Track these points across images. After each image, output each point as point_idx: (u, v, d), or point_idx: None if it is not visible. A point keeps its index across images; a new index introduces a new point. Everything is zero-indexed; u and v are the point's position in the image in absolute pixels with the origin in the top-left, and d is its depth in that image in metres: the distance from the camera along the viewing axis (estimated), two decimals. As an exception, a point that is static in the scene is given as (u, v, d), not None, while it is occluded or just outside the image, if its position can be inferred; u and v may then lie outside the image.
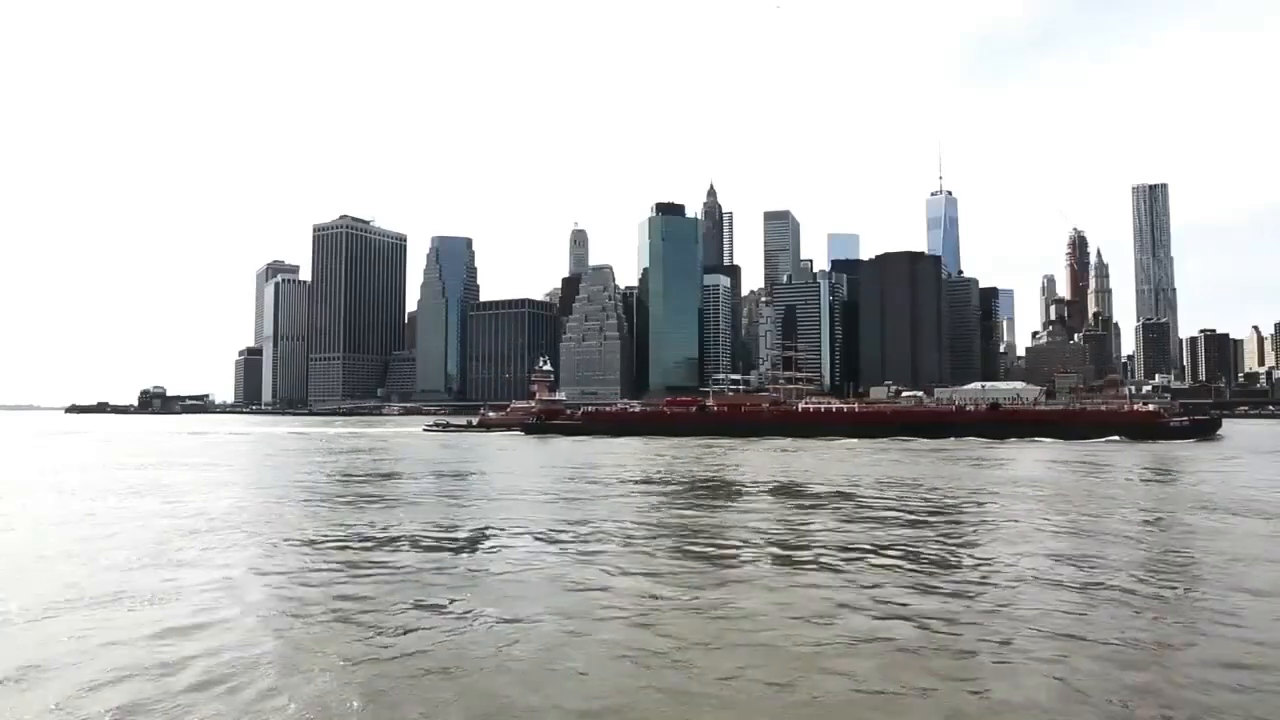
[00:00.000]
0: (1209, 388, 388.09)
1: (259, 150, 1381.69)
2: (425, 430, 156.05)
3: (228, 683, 13.70)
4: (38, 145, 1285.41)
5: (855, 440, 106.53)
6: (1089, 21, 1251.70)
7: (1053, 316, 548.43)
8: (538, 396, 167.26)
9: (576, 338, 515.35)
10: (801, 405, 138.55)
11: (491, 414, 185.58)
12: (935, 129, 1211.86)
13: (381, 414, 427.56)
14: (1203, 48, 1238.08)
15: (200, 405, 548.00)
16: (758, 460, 71.90)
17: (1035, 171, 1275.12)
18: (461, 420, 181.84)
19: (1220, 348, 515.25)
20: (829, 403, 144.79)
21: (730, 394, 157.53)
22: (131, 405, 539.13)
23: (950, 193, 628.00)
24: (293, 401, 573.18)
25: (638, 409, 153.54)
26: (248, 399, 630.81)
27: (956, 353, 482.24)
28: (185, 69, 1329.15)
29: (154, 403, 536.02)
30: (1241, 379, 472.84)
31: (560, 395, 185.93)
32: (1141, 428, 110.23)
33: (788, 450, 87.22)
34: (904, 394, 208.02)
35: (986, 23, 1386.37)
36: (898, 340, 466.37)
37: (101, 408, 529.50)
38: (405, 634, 16.62)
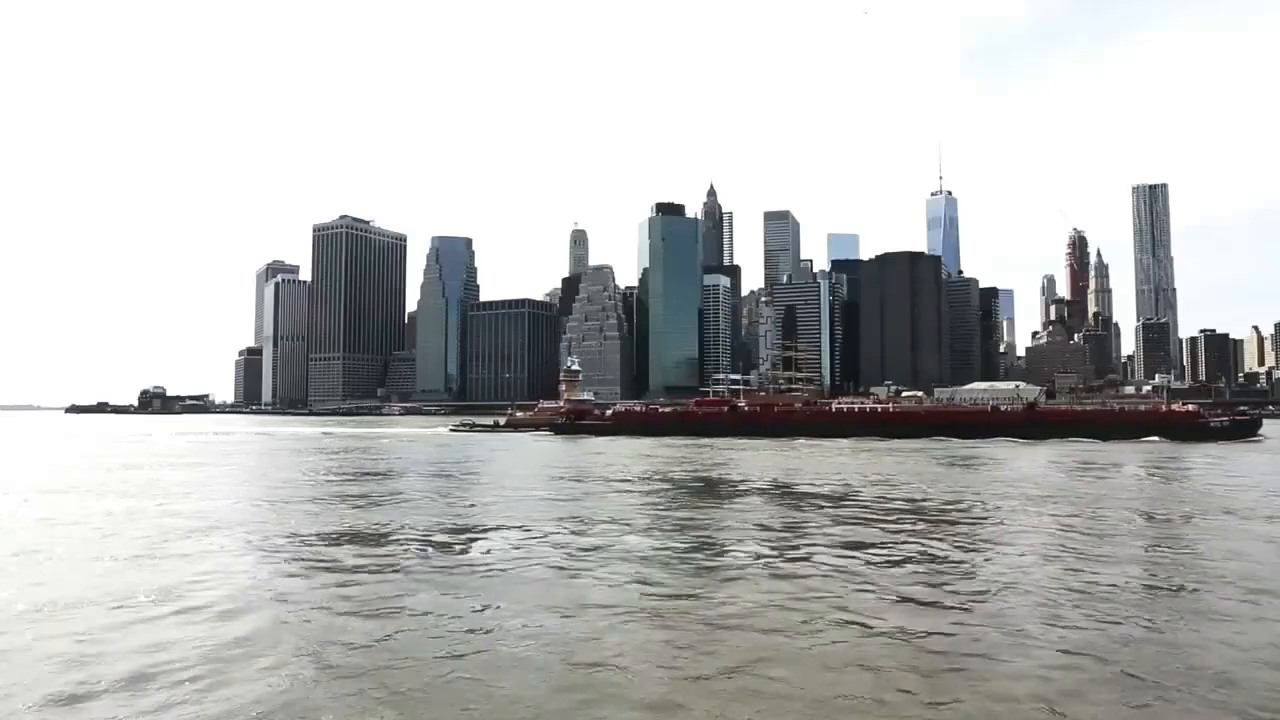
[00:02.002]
0: (1209, 388, 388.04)
1: (259, 150, 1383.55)
2: (452, 430, 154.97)
3: (224, 681, 13.76)
4: (38, 145, 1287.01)
5: (891, 441, 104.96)
6: (1089, 22, 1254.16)
7: (1053, 316, 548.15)
8: (566, 396, 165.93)
9: (576, 338, 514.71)
10: (835, 405, 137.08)
11: (519, 414, 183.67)
12: (935, 129, 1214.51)
13: (382, 414, 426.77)
14: (1203, 48, 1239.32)
15: (200, 405, 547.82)
16: (795, 461, 70.18)
17: (1035, 171, 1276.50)
18: (488, 420, 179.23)
19: (1220, 348, 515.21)
20: (862, 402, 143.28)
21: (762, 394, 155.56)
22: (131, 405, 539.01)
23: (950, 193, 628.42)
24: (293, 401, 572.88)
25: (669, 409, 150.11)
26: (248, 399, 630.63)
27: (956, 353, 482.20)
28: (185, 69, 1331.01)
29: (154, 403, 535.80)
30: (1241, 379, 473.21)
31: (588, 395, 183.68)
32: (1182, 428, 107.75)
33: (824, 451, 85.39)
34: (904, 394, 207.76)
35: (987, 23, 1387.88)
36: (898, 340, 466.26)
37: (101, 408, 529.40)
38: (416, 634, 16.75)
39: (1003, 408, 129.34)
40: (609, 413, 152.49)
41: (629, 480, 53.22)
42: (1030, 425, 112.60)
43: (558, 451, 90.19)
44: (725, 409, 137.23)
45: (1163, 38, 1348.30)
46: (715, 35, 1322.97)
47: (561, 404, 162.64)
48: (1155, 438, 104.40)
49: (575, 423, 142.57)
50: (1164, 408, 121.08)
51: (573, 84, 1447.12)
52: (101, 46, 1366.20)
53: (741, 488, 48.16)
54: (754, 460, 72.62)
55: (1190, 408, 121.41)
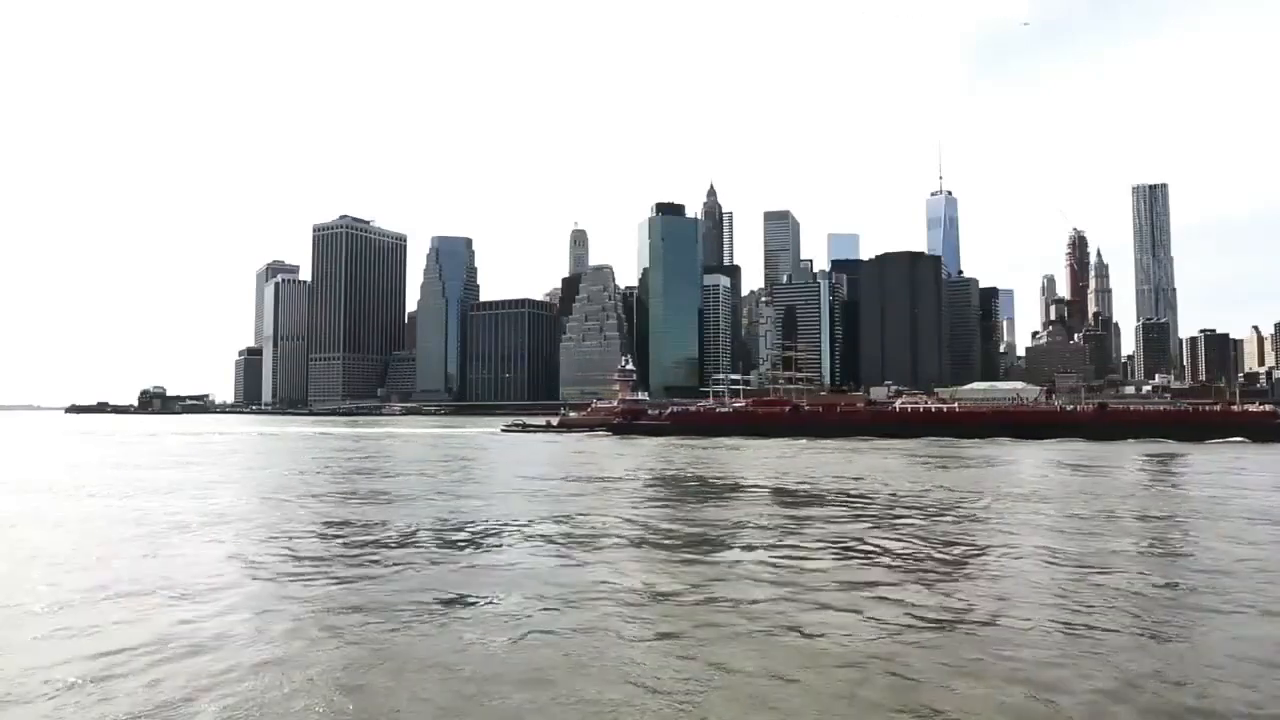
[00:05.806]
0: (1209, 388, 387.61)
1: (259, 150, 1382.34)
2: (504, 430, 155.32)
3: (226, 680, 13.72)
4: (38, 145, 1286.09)
5: (958, 441, 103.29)
6: (1089, 22, 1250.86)
7: (1053, 316, 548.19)
8: (621, 396, 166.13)
9: (576, 338, 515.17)
10: (898, 405, 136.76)
11: (573, 414, 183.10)
12: (935, 129, 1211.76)
13: (382, 414, 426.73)
14: (1203, 48, 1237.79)
15: (200, 405, 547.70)
16: (869, 465, 66.49)
17: (1035, 171, 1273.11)
18: (539, 420, 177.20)
19: (1220, 348, 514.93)
20: (926, 402, 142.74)
21: (823, 394, 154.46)
22: (131, 405, 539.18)
23: (950, 193, 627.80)
24: (293, 401, 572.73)
25: (727, 409, 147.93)
26: (248, 399, 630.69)
27: (956, 353, 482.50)
28: (185, 69, 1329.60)
29: (154, 403, 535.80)
30: (1241, 379, 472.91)
31: (643, 395, 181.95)
32: (1260, 429, 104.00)
33: (895, 453, 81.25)
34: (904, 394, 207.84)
35: (987, 23, 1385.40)
36: (898, 340, 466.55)
37: (101, 408, 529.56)
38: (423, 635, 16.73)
39: (1070, 408, 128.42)
40: (666, 413, 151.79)
41: (719, 484, 52.21)
42: (1101, 426, 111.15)
43: (624, 452, 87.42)
44: (786, 409, 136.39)
45: (1163, 37, 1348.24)
46: (715, 36, 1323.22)
47: (616, 404, 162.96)
48: (1239, 438, 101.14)
49: (632, 423, 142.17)
50: (1237, 408, 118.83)
51: (573, 84, 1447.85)
52: (101, 46, 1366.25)
53: (828, 493, 45.12)
54: (829, 464, 68.27)
55: (1266, 408, 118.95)
